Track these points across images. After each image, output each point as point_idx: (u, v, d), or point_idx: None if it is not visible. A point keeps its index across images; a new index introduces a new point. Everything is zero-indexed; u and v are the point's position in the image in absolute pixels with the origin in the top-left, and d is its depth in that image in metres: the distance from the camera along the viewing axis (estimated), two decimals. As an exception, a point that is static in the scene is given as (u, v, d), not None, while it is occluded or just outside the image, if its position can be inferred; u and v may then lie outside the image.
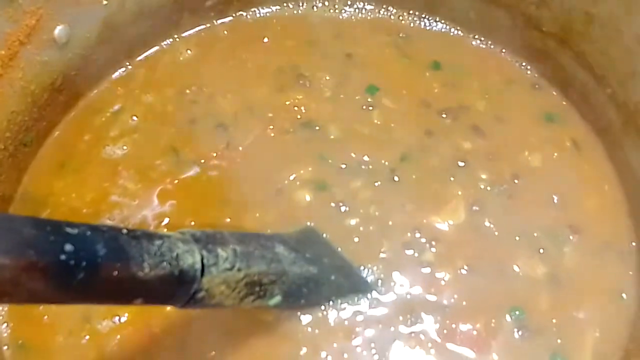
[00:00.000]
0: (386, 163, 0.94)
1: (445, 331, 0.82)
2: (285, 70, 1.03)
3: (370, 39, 1.07)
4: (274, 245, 0.76)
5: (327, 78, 1.02)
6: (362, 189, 0.92)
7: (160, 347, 0.83)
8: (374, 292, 0.84)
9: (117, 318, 0.84)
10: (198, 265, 0.64)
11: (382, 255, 0.86)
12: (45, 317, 0.85)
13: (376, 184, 0.92)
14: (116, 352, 0.83)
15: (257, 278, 0.71)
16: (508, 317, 0.83)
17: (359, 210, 0.90)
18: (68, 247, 0.52)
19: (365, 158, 0.94)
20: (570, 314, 0.84)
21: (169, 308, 0.83)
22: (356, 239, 0.88)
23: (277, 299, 0.75)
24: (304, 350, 0.82)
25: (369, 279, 0.85)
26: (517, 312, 0.83)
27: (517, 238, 0.88)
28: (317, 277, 0.80)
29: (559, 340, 0.82)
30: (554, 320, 0.83)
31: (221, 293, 0.68)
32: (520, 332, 0.82)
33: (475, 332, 0.82)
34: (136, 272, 0.58)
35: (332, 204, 0.90)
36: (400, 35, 1.07)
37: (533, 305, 0.84)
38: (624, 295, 0.85)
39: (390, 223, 0.89)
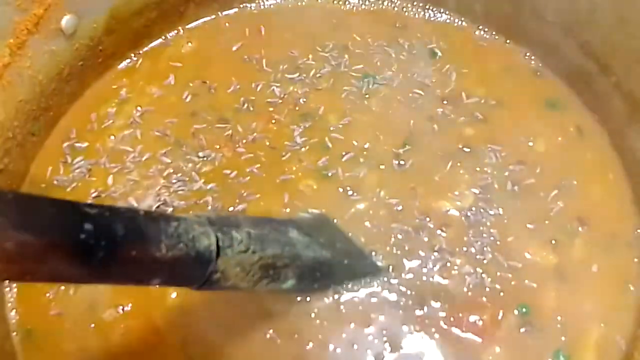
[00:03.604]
0: (389, 149, 0.94)
1: (452, 319, 0.82)
2: (282, 62, 1.03)
3: (368, 29, 1.06)
4: (288, 230, 0.77)
5: (324, 69, 1.02)
6: (368, 175, 0.92)
7: (162, 339, 0.84)
8: (385, 277, 0.84)
9: (120, 308, 0.85)
10: (213, 247, 0.65)
11: (392, 239, 0.87)
12: (53, 304, 0.86)
13: (381, 167, 0.92)
14: (120, 340, 0.84)
15: (271, 261, 0.72)
16: (515, 311, 0.83)
17: (367, 194, 0.90)
18: (88, 226, 0.52)
19: (367, 145, 0.94)
20: (577, 310, 0.83)
21: (172, 297, 0.85)
22: (367, 224, 0.88)
23: (290, 282, 0.75)
24: (310, 345, 0.82)
25: (380, 263, 0.85)
26: (523, 309, 0.83)
27: (529, 226, 0.88)
28: (330, 261, 0.80)
29: (563, 338, 0.82)
30: (559, 318, 0.83)
31: (236, 275, 0.68)
32: (524, 329, 0.82)
33: (481, 323, 0.82)
34: (154, 253, 0.59)
35: (340, 190, 0.91)
36: (397, 25, 1.07)
37: (540, 301, 0.83)
38: (630, 287, 0.85)
39: (400, 208, 0.89)
